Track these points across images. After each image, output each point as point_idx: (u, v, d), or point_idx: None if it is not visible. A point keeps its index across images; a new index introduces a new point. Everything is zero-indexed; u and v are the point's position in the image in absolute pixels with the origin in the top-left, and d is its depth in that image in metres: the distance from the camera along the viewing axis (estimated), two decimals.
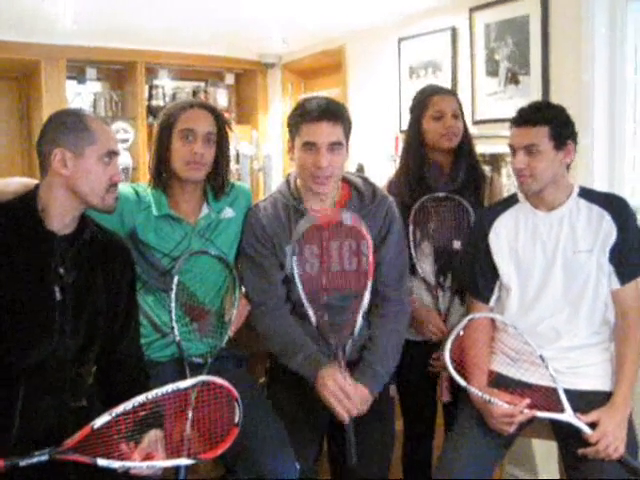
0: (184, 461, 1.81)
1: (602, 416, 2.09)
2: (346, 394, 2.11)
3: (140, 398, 1.71)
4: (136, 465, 1.73)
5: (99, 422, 1.68)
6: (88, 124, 1.84)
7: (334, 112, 2.21)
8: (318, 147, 2.19)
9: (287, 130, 2.32)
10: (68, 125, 1.84)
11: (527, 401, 2.10)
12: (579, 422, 2.08)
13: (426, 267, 2.63)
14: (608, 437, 2.05)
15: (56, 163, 1.82)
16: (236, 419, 1.79)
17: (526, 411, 2.09)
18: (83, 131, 1.83)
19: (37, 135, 1.89)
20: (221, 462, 2.20)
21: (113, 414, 1.69)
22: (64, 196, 1.84)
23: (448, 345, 2.16)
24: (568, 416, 2.09)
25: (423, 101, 2.65)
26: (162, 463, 1.79)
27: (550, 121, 2.17)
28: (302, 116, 2.22)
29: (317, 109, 2.20)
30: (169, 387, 1.75)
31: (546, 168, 2.17)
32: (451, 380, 2.51)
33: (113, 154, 1.88)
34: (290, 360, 2.24)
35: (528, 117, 2.19)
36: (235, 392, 1.79)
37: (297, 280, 2.18)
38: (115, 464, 1.69)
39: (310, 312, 2.17)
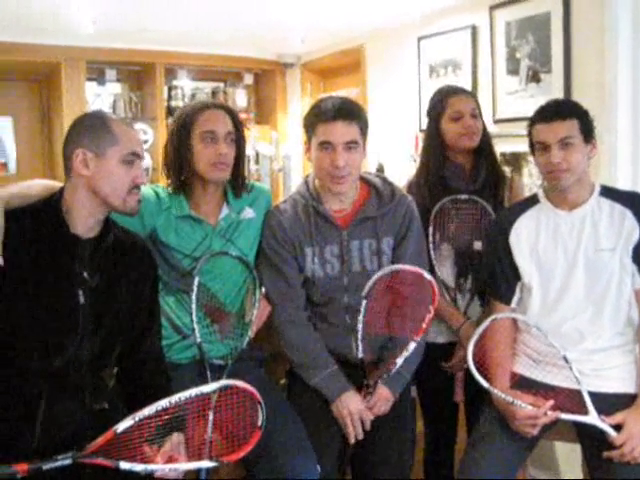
0: (207, 464, 1.79)
1: (627, 418, 2.07)
2: (361, 420, 2.19)
3: (163, 402, 1.69)
4: (159, 468, 1.72)
5: (122, 426, 1.66)
6: (110, 125, 1.84)
7: (349, 111, 2.21)
8: (334, 146, 2.20)
9: (303, 131, 2.33)
10: (90, 126, 1.84)
11: (551, 403, 2.08)
12: (604, 424, 2.05)
13: (445, 270, 2.61)
14: (634, 440, 2.02)
15: (77, 163, 1.83)
16: (259, 422, 1.78)
17: (550, 413, 2.07)
18: (105, 132, 1.83)
19: (57, 136, 1.91)
20: (242, 464, 2.20)
21: (136, 418, 1.67)
22: (86, 198, 1.84)
23: (470, 346, 2.14)
24: (592, 418, 2.07)
25: (440, 102, 2.63)
26: (185, 466, 1.78)
27: (578, 114, 2.17)
28: (318, 116, 2.23)
29: (332, 109, 2.20)
30: (192, 391, 1.72)
31: (580, 161, 2.16)
32: (467, 381, 2.52)
33: (136, 156, 1.87)
34: (309, 375, 2.28)
35: (559, 111, 2.17)
36: (258, 395, 1.77)
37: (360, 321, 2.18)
38: (138, 467, 1.68)
39: (360, 348, 2.19)
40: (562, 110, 2.18)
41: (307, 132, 2.31)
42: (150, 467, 1.70)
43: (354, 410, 2.18)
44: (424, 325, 2.16)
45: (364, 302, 2.16)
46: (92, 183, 1.83)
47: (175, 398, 1.70)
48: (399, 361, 2.17)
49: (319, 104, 2.27)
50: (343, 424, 2.20)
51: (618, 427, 2.06)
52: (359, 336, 2.16)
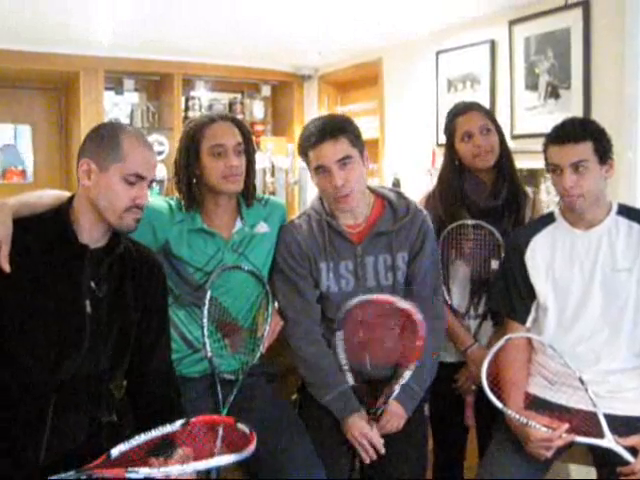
0: (227, 458, 1.67)
1: None
2: (370, 442, 2.17)
3: (154, 433, 1.68)
4: (175, 469, 1.64)
5: (115, 452, 1.63)
6: (121, 141, 1.81)
7: (333, 128, 2.20)
8: (328, 168, 2.19)
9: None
10: (101, 138, 1.83)
11: (566, 426, 2.03)
12: (620, 448, 2.01)
13: (457, 288, 2.57)
14: None
15: (81, 173, 1.82)
16: (247, 431, 1.72)
17: (565, 435, 2.03)
18: (112, 147, 1.80)
19: (75, 145, 1.91)
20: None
21: (127, 446, 1.64)
22: (88, 208, 1.83)
23: (485, 366, 2.11)
24: (608, 442, 2.02)
25: (450, 124, 2.59)
26: (205, 463, 1.67)
27: (593, 136, 2.12)
28: (305, 142, 2.24)
29: (316, 131, 2.20)
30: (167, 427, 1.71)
31: (595, 184, 2.12)
32: (478, 404, 2.51)
33: (139, 178, 1.82)
34: (320, 392, 2.26)
35: (571, 133, 2.12)
36: (228, 418, 1.78)
37: (340, 350, 2.23)
38: (154, 471, 1.62)
39: (348, 375, 2.23)
40: (575, 132, 2.12)
41: (303, 160, 2.32)
42: (166, 469, 1.63)
43: (358, 434, 2.17)
44: (417, 352, 2.17)
45: (338, 334, 2.21)
46: (92, 194, 1.81)
47: (162, 430, 1.69)
48: (397, 388, 2.19)
49: (304, 131, 2.28)
50: (354, 444, 2.20)
51: (633, 450, 2.01)
52: (345, 367, 2.22)
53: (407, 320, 2.17)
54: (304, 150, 2.26)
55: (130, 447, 1.65)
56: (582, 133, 2.11)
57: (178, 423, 1.72)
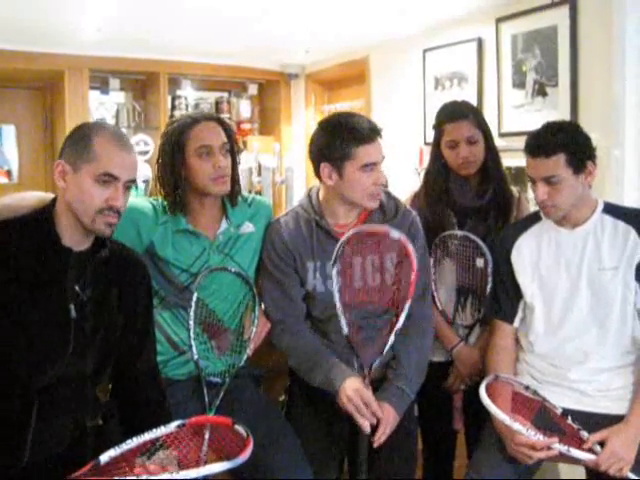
0: (220, 466, 1.61)
1: (610, 435, 2.01)
2: (366, 403, 2.06)
3: (146, 436, 1.66)
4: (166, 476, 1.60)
5: (105, 457, 1.60)
6: (93, 141, 1.77)
7: (379, 129, 2.22)
8: (377, 165, 2.19)
9: (318, 156, 2.24)
10: (74, 139, 1.81)
11: (555, 440, 1.98)
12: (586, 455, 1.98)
13: (444, 288, 2.57)
14: (612, 457, 1.98)
15: (56, 174, 1.80)
16: (244, 434, 1.69)
17: (556, 446, 1.97)
18: (84, 147, 1.77)
19: (60, 145, 1.86)
20: None
21: (118, 451, 1.62)
22: (66, 210, 1.80)
23: (483, 388, 2.05)
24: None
25: (439, 127, 2.58)
26: (201, 470, 1.61)
27: (565, 148, 2.08)
28: (356, 139, 2.16)
29: (369, 129, 2.18)
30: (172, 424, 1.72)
31: (568, 195, 2.11)
32: (466, 407, 2.52)
33: (112, 177, 1.77)
34: (312, 374, 2.19)
35: (541, 147, 2.10)
36: (226, 419, 1.74)
37: (335, 289, 2.11)
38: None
39: (343, 322, 2.09)
40: (546, 146, 2.09)
41: (333, 157, 2.19)
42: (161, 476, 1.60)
43: (352, 393, 2.06)
44: (411, 288, 2.08)
45: (334, 269, 2.10)
46: (67, 196, 1.79)
47: (155, 433, 1.67)
48: (391, 338, 2.07)
49: (352, 126, 2.17)
50: (350, 414, 2.07)
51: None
52: (338, 311, 2.08)
53: (400, 252, 2.13)
54: (349, 146, 2.16)
55: (120, 452, 1.63)
56: (553, 146, 2.08)
57: (173, 425, 1.71)
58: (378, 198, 2.24)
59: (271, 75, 6.11)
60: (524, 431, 1.96)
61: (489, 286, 2.43)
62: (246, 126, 6.22)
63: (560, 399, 2.14)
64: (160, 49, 5.23)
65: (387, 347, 2.09)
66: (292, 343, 2.26)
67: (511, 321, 2.31)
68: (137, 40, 4.90)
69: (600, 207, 2.20)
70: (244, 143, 5.95)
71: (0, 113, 5.66)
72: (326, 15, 4.13)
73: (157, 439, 1.69)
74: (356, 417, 2.06)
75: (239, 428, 1.71)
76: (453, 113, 2.57)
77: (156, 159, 2.31)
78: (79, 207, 1.77)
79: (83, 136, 1.79)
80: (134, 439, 1.65)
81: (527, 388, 2.13)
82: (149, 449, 1.69)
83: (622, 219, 2.17)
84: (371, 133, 2.17)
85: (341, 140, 2.16)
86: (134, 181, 1.84)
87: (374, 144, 2.18)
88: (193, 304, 2.16)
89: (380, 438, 2.10)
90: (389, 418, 2.14)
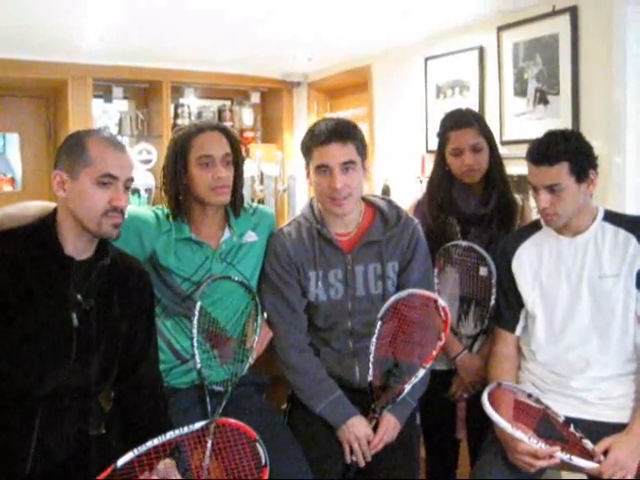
0: None
1: (613, 444, 2.00)
2: (368, 443, 2.17)
3: (161, 438, 1.69)
4: None
5: (122, 461, 1.63)
6: (86, 146, 1.79)
7: (343, 132, 2.20)
8: (331, 169, 2.18)
9: (302, 155, 2.31)
10: (68, 147, 1.82)
11: (557, 449, 1.97)
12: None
13: (446, 296, 2.54)
14: (615, 466, 1.97)
15: (55, 185, 1.81)
16: (262, 460, 1.73)
17: (558, 454, 1.97)
18: (79, 153, 1.79)
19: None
20: None
21: (135, 452, 1.65)
22: (68, 219, 1.81)
23: (485, 395, 2.05)
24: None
25: (443, 134, 2.58)
26: None
27: (568, 156, 2.08)
28: (312, 140, 2.22)
29: (326, 131, 2.19)
30: (186, 428, 1.75)
31: (570, 204, 2.12)
32: (468, 416, 2.52)
33: (111, 178, 1.79)
34: (314, 401, 2.25)
35: (545, 155, 2.10)
36: (252, 432, 1.74)
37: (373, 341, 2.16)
38: None
39: (371, 370, 2.16)
40: (550, 154, 2.09)
41: (305, 157, 2.30)
42: None
43: (361, 435, 2.16)
44: (434, 352, 2.14)
45: (379, 323, 2.14)
46: (69, 206, 1.80)
47: (171, 434, 1.70)
48: (407, 387, 2.15)
49: (313, 128, 2.26)
50: (350, 448, 2.18)
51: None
52: (371, 358, 2.14)
53: (439, 318, 2.17)
54: (309, 147, 2.23)
55: (137, 455, 1.65)
56: (557, 155, 2.08)
57: (198, 425, 1.76)
58: (335, 205, 2.21)
59: (273, 83, 6.12)
60: (526, 439, 1.96)
61: (493, 297, 2.42)
62: (248, 134, 6.23)
63: (562, 407, 2.13)
64: (163, 58, 5.24)
65: (401, 397, 2.16)
66: (300, 363, 2.29)
67: (513, 329, 2.31)
68: (140, 49, 4.92)
69: (600, 215, 2.20)
70: (246, 151, 5.95)
71: (4, 121, 5.67)
72: (328, 23, 4.14)
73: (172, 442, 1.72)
74: (354, 452, 2.17)
75: (260, 449, 1.74)
76: (458, 121, 2.57)
77: (162, 166, 2.32)
78: (83, 213, 1.78)
79: (76, 143, 1.81)
80: (148, 443, 1.68)
81: (530, 396, 2.13)
82: (171, 451, 1.73)
83: (622, 226, 2.17)
84: (329, 135, 2.18)
85: (305, 141, 2.26)
86: (132, 180, 1.86)
87: (329, 146, 2.18)
88: (197, 313, 2.16)
89: (377, 445, 2.15)
90: (388, 425, 2.17)
